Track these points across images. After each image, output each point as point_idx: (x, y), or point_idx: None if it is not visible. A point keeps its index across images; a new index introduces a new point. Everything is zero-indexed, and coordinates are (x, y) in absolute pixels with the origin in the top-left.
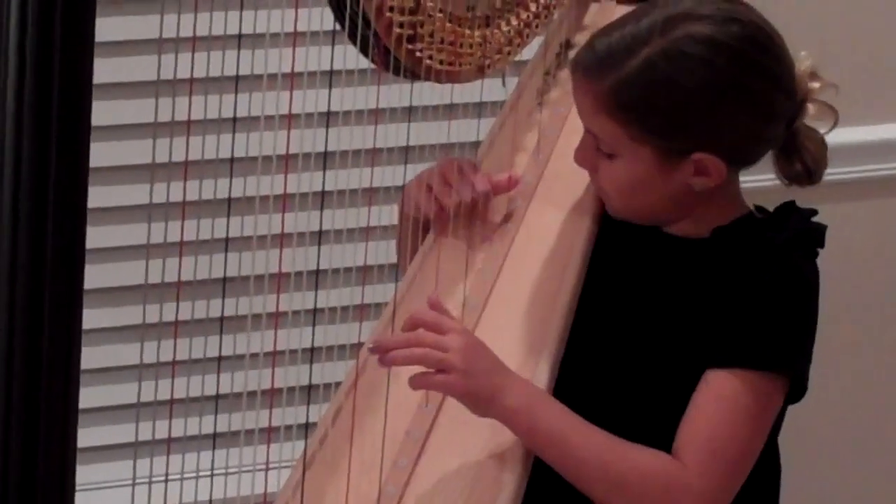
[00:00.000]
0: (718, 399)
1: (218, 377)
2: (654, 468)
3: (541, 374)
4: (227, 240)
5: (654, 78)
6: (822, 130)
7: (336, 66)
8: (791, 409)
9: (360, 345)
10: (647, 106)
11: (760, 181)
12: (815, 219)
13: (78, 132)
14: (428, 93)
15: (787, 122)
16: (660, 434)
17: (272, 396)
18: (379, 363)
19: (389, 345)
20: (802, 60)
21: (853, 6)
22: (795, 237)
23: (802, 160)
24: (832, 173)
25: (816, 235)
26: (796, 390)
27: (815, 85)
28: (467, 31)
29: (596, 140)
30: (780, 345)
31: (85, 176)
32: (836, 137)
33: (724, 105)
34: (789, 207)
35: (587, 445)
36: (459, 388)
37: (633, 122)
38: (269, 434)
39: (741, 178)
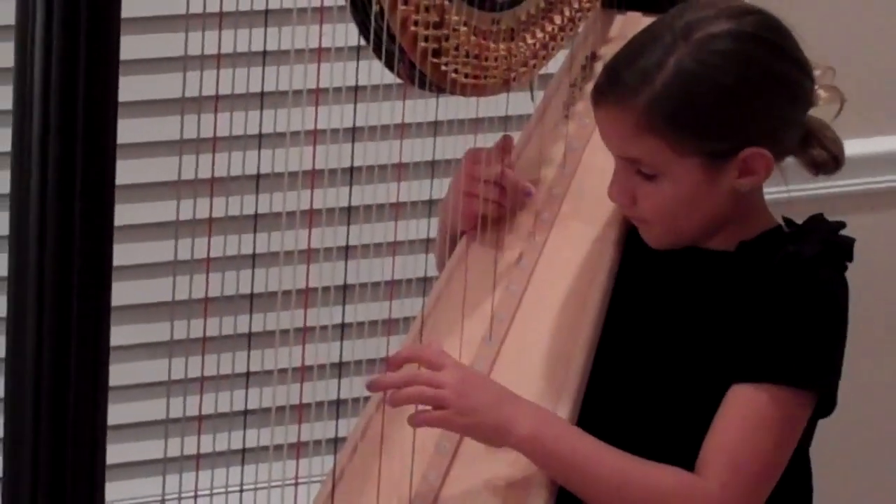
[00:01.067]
0: (743, 413)
1: (246, 392)
2: (673, 485)
3: (568, 387)
4: (254, 255)
5: (689, 81)
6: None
7: (361, 81)
8: (821, 421)
9: (388, 358)
10: (689, 111)
11: (789, 192)
12: (843, 232)
13: (103, 149)
14: (454, 107)
15: (808, 107)
16: (685, 448)
17: (300, 411)
18: (388, 403)
19: (384, 383)
20: None
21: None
22: (823, 251)
23: (824, 146)
24: (857, 183)
25: (844, 249)
26: (825, 405)
27: (817, 71)
28: (492, 45)
29: (633, 166)
30: (808, 359)
31: (111, 193)
32: (862, 148)
33: (759, 92)
34: (816, 220)
35: (604, 467)
36: (457, 424)
37: (676, 132)
38: (298, 449)
39: (767, 189)
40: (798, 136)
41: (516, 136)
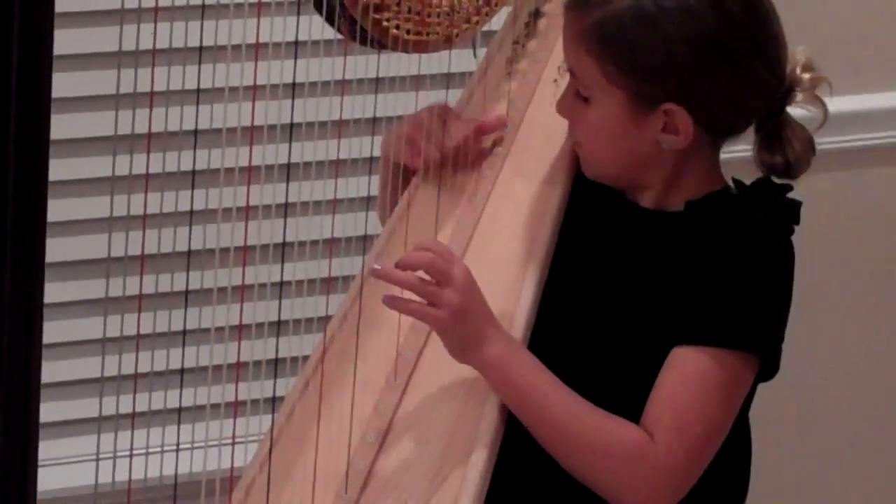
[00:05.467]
0: (688, 375)
1: (183, 351)
2: (625, 438)
3: None
4: (191, 212)
5: (640, 19)
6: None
7: (302, 37)
8: (762, 386)
9: (327, 318)
10: (625, 45)
11: (739, 152)
12: (790, 194)
13: (38, 103)
14: (395, 63)
15: (768, 100)
16: (628, 409)
17: (238, 370)
18: (373, 274)
19: (398, 263)
20: (800, 52)
21: None
22: (770, 214)
23: (784, 153)
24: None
25: (791, 211)
26: (768, 369)
27: (806, 76)
28: (435, 0)
29: (575, 84)
30: (752, 323)
31: (46, 147)
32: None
33: (702, 60)
34: (765, 183)
35: (560, 406)
36: (445, 326)
37: (608, 60)
38: (236, 408)
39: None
40: (742, 117)
41: (458, 93)
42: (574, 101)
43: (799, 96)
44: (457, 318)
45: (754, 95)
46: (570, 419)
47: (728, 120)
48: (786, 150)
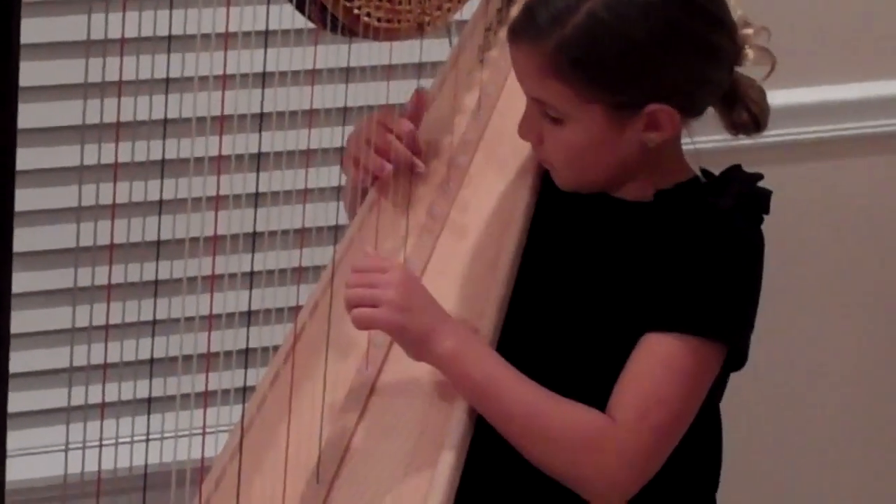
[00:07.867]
0: (654, 361)
1: (152, 341)
2: (584, 423)
3: (482, 336)
4: (160, 202)
5: (599, 30)
6: (758, 77)
7: (272, 26)
8: (736, 376)
9: (298, 308)
10: (596, 60)
11: (708, 142)
12: (760, 183)
13: (6, 91)
14: (366, 53)
15: (729, 67)
16: (599, 395)
17: (208, 360)
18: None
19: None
20: (733, 9)
21: None
22: (739, 202)
23: (747, 108)
24: (779, 134)
25: (761, 200)
26: (736, 358)
27: (749, 31)
28: None
29: (541, 108)
30: (720, 311)
31: (13, 136)
32: (784, 99)
33: (670, 49)
34: (734, 172)
35: (518, 396)
36: (390, 322)
37: (582, 80)
38: (206, 398)
39: (688, 140)
40: (714, 94)
41: (429, 83)
42: (542, 125)
43: (750, 54)
44: (397, 312)
45: (721, 67)
46: (528, 408)
47: (702, 99)
48: (748, 105)
